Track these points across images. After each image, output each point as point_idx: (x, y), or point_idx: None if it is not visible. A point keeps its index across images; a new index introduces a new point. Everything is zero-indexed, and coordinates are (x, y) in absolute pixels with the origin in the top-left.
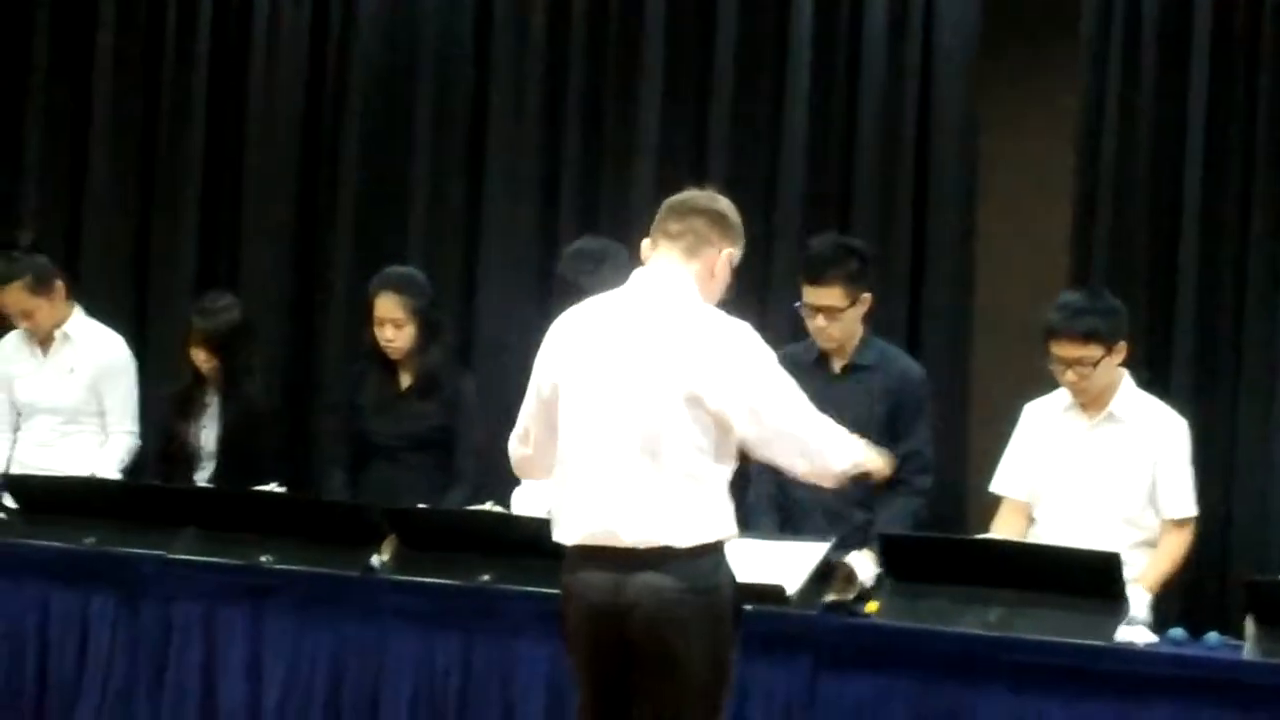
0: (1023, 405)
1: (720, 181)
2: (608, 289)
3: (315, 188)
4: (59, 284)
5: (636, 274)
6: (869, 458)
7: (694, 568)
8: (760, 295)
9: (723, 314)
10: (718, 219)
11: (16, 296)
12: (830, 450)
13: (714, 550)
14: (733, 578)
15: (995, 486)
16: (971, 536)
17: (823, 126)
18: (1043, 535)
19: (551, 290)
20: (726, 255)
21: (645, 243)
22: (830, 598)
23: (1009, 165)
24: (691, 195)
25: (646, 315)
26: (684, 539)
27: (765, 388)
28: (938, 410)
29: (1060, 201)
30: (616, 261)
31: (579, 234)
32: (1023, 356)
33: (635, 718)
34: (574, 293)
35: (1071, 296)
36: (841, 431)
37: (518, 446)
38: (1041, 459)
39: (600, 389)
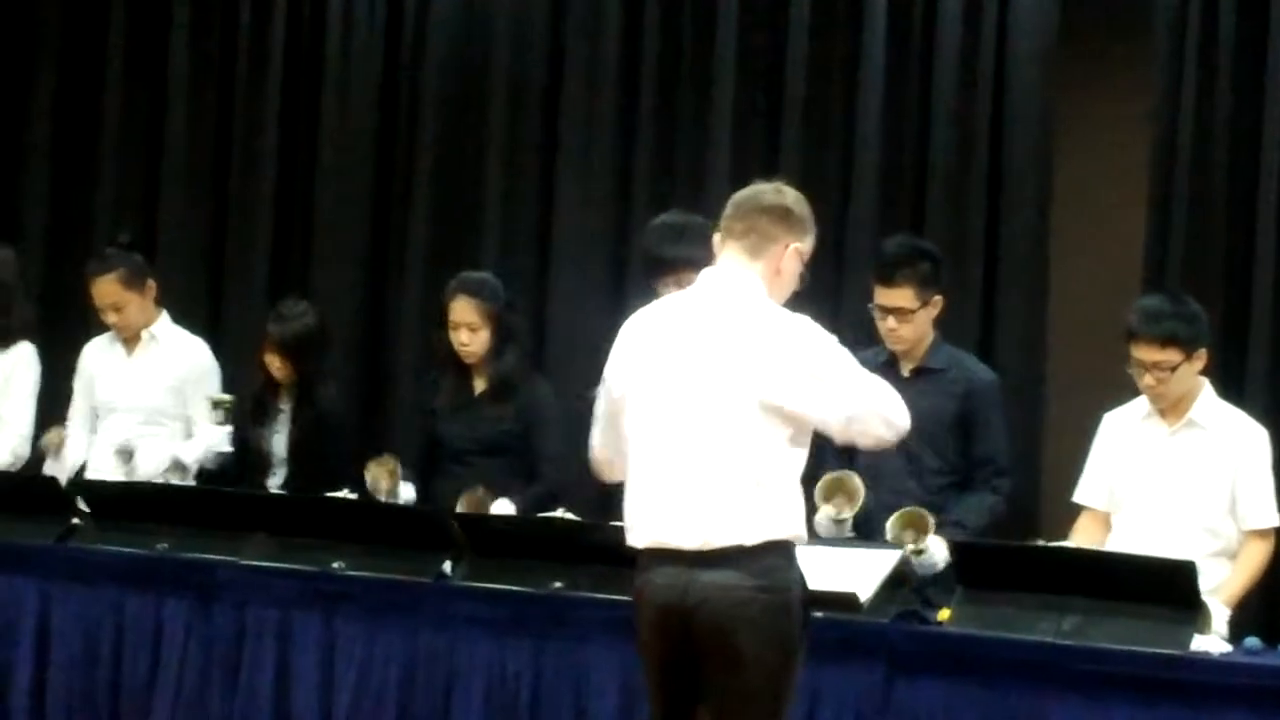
0: (1097, 410)
1: (794, 182)
2: (689, 261)
3: (389, 194)
4: (151, 284)
5: (704, 274)
6: None
7: (763, 566)
8: (833, 296)
9: (782, 310)
10: (782, 215)
11: (109, 289)
12: (898, 410)
13: (783, 549)
14: (803, 578)
15: (1078, 497)
16: (1045, 544)
17: (896, 126)
18: (1121, 543)
19: (631, 275)
20: (793, 250)
21: (716, 238)
22: (829, 512)
23: (1084, 166)
24: (756, 191)
25: (711, 317)
26: (752, 536)
27: (832, 376)
28: (1010, 416)
29: (1135, 204)
30: (697, 234)
31: None
32: (1097, 361)
33: (701, 715)
34: (655, 265)
35: (1153, 300)
36: (893, 393)
37: (596, 449)
38: (1121, 467)
39: (665, 392)
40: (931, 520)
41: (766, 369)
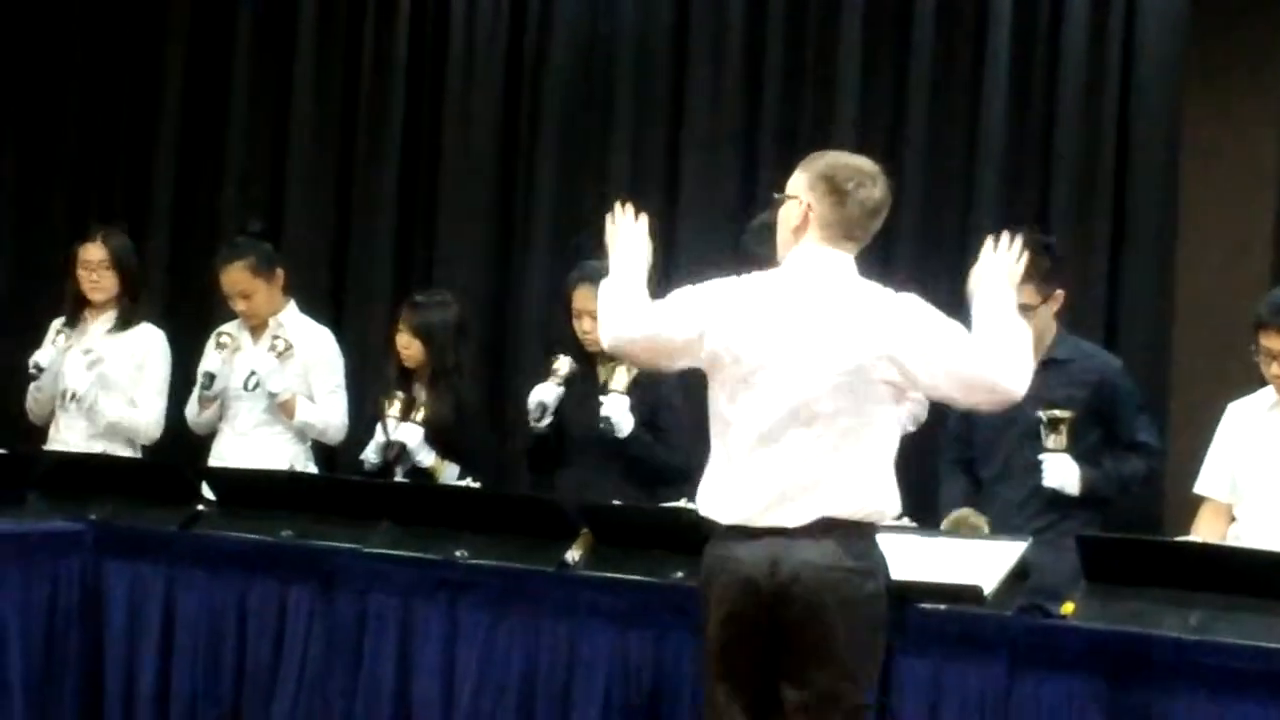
0: (1224, 404)
1: (918, 173)
2: None
3: (512, 185)
4: (280, 272)
5: (792, 253)
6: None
7: (854, 544)
8: (958, 283)
9: (882, 287)
10: (882, 211)
11: (238, 276)
12: (1008, 376)
13: (869, 529)
14: (885, 561)
15: (1200, 488)
16: (1170, 538)
17: (1020, 117)
18: (1243, 535)
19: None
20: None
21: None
22: None
23: (1212, 157)
24: (862, 182)
25: (803, 290)
26: (844, 510)
27: (937, 341)
28: None
29: (1265, 194)
30: None
31: None
32: (1224, 354)
33: (787, 699)
34: (755, 264)
35: None
36: (1005, 345)
37: (641, 329)
38: (1244, 458)
39: (762, 368)
40: (983, 521)
41: (858, 333)
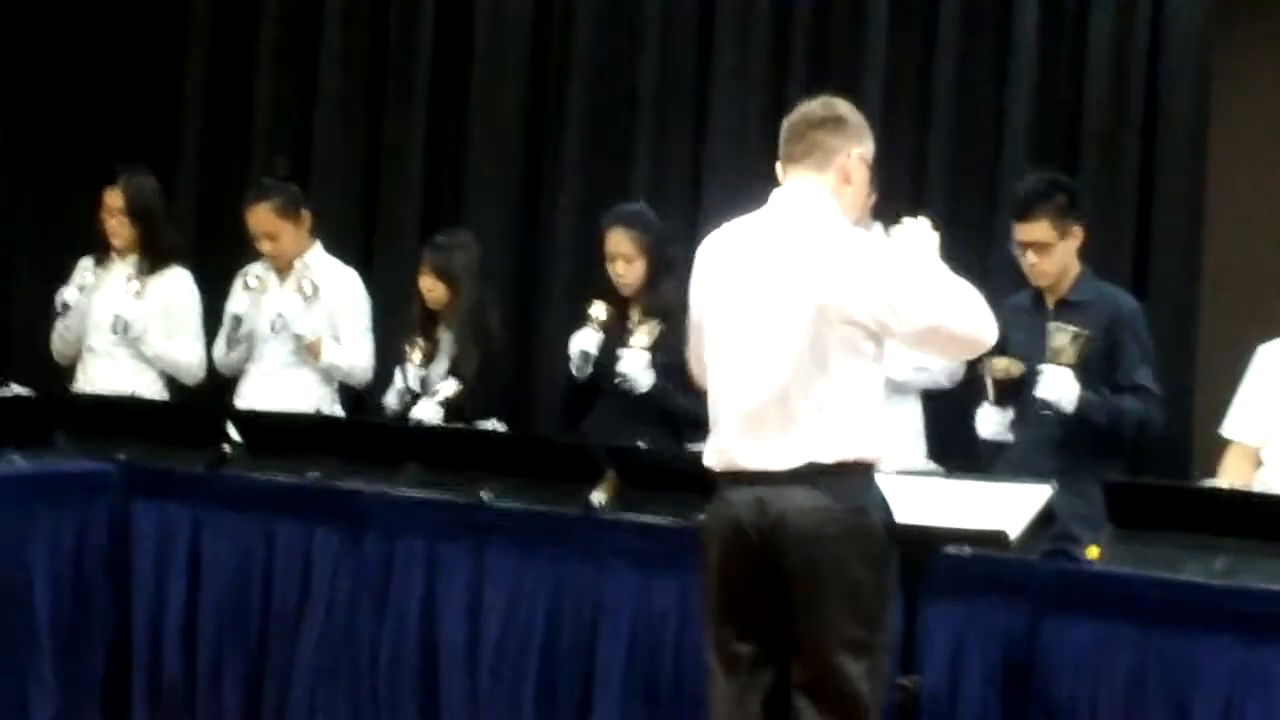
0: (1251, 346)
1: (946, 125)
2: None
3: (541, 127)
4: (305, 213)
5: (774, 195)
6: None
7: (841, 486)
8: (984, 240)
9: (853, 227)
10: (838, 125)
11: (264, 217)
12: (980, 322)
13: (861, 470)
14: (884, 500)
15: (1226, 430)
16: (1197, 484)
17: (1050, 65)
18: (1271, 479)
19: None
20: (857, 156)
21: (777, 166)
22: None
23: (1242, 103)
24: (806, 110)
25: (781, 235)
26: (828, 456)
27: (905, 287)
28: (1162, 351)
29: None
30: None
31: None
32: (1253, 303)
33: (798, 638)
34: None
35: None
36: (980, 303)
37: (690, 351)
38: (1274, 402)
39: (739, 313)
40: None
41: (837, 281)
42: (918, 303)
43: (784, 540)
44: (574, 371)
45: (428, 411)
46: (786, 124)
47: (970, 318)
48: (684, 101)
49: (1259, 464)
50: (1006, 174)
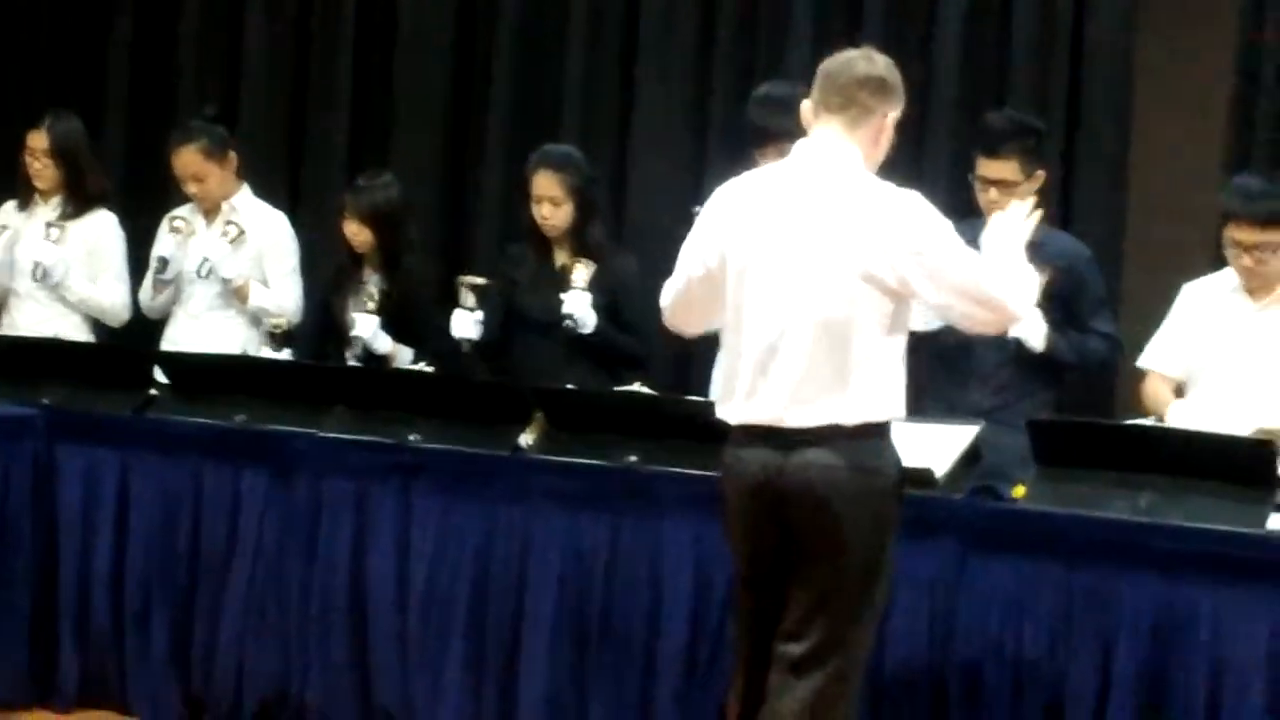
0: (1172, 286)
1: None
2: (792, 133)
3: (470, 65)
4: (232, 155)
5: (800, 146)
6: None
7: (858, 447)
8: (915, 167)
9: (890, 185)
10: (879, 86)
11: (190, 159)
12: (1009, 299)
13: (880, 431)
14: (898, 460)
15: (1144, 361)
16: (1121, 421)
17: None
18: (1199, 418)
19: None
20: (891, 119)
21: (805, 105)
22: None
23: (1168, 40)
24: (848, 61)
25: (816, 191)
26: (850, 417)
27: (940, 251)
28: None
29: (1221, 81)
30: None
31: (729, 118)
32: (1174, 236)
33: (793, 598)
34: (759, 136)
35: (1251, 180)
36: (1012, 273)
37: (674, 298)
38: (1202, 339)
39: (770, 266)
40: None
41: (870, 241)
42: (949, 264)
43: (800, 501)
44: (464, 351)
45: (365, 326)
46: (826, 72)
47: (1001, 285)
48: (614, 36)
49: (1177, 395)
50: (936, 124)
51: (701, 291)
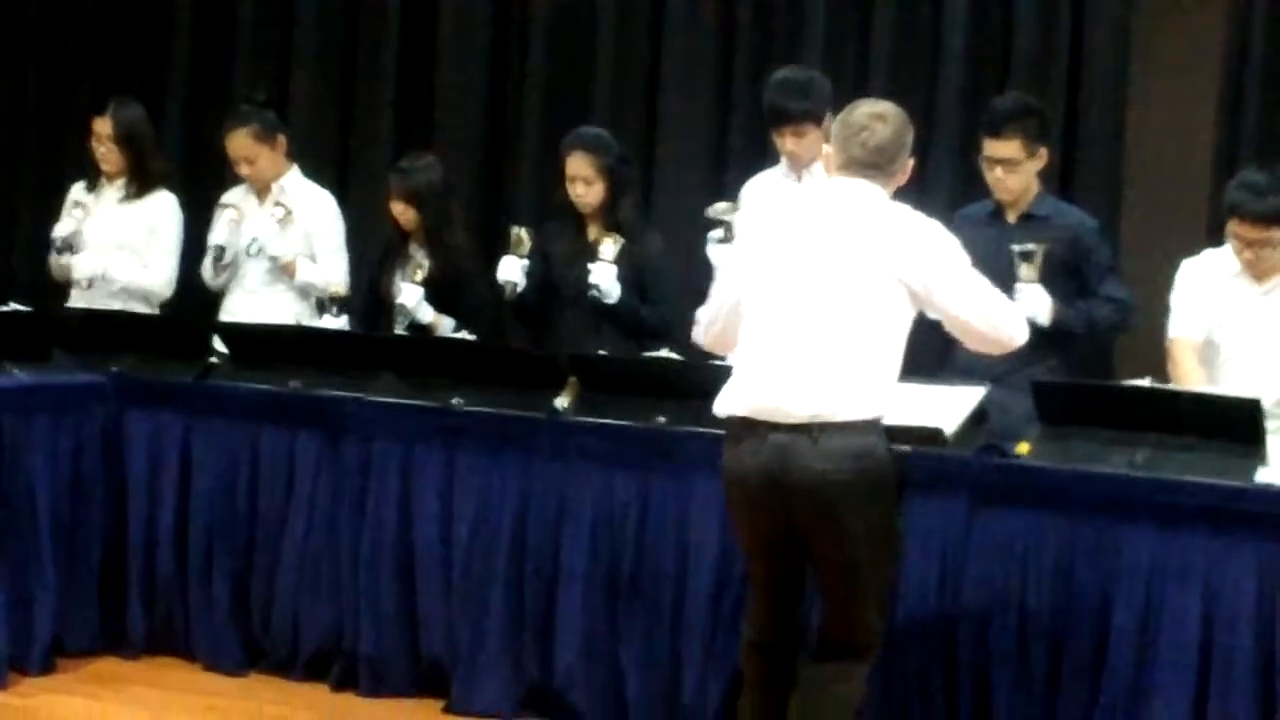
0: (1168, 266)
1: (883, 50)
2: (809, 115)
3: (506, 57)
4: (282, 138)
5: (825, 184)
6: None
7: (851, 440)
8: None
9: (911, 210)
10: (894, 153)
11: (242, 142)
12: (1006, 324)
13: (873, 426)
14: (890, 450)
15: (1175, 331)
16: (1120, 383)
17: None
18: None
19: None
20: (908, 166)
21: (826, 150)
22: None
23: (1163, 27)
24: (868, 125)
25: (843, 206)
26: (855, 413)
27: (951, 268)
28: None
29: (1214, 64)
30: (820, 90)
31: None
32: (1168, 214)
33: (815, 582)
34: (777, 117)
35: (1257, 175)
36: (1015, 307)
37: (708, 325)
38: (1215, 318)
39: (791, 268)
40: None
41: (896, 248)
42: (954, 293)
43: (805, 497)
44: (506, 297)
45: (410, 295)
46: (846, 124)
47: (1001, 321)
48: (640, 28)
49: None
50: (945, 103)
51: (736, 320)
